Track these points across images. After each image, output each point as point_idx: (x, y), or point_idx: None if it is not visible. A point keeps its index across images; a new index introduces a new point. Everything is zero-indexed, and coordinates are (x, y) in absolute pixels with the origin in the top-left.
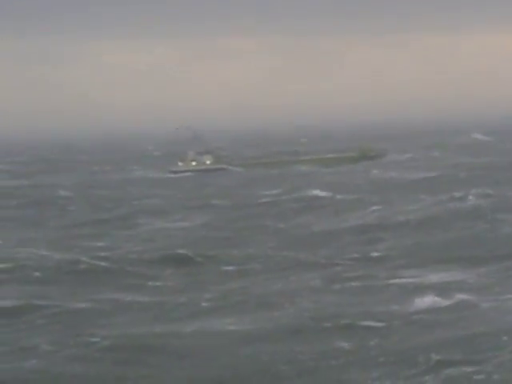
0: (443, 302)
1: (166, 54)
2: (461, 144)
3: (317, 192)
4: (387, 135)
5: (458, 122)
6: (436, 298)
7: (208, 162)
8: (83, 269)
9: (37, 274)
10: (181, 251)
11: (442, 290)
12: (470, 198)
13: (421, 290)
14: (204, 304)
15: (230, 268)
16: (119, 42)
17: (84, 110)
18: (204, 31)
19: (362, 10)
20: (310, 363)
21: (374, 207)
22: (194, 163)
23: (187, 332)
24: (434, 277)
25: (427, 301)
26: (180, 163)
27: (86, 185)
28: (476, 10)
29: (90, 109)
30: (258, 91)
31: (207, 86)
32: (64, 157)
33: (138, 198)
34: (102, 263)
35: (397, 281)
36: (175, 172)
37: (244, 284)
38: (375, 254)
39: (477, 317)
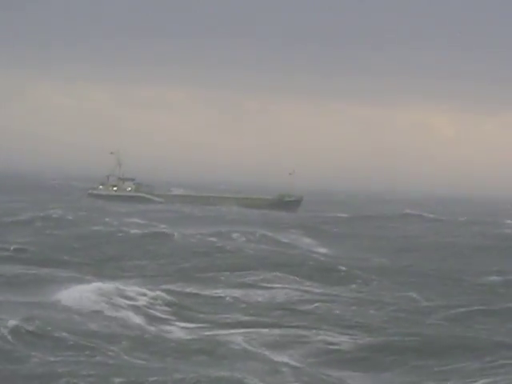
0: None
1: (98, 98)
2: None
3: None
4: None
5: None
6: None
7: (128, 189)
8: None
9: None
10: None
11: None
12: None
13: None
14: None
15: None
16: (51, 82)
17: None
18: (135, 78)
19: (296, 70)
20: None
21: None
22: (114, 188)
23: None
24: None
25: None
26: (101, 186)
27: None
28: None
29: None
30: (189, 144)
31: (138, 133)
32: None
33: None
34: None
35: None
36: (93, 195)
37: None
38: None
39: None
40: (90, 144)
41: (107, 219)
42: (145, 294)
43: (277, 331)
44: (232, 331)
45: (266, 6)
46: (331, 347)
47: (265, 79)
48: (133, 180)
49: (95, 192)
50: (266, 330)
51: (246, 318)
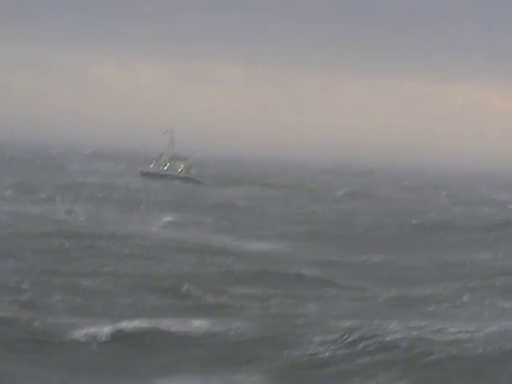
0: None
1: (152, 73)
2: None
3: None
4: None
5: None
6: None
7: (179, 170)
8: None
9: None
10: None
11: None
12: None
13: None
14: None
15: None
16: (105, 57)
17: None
18: (191, 54)
19: (355, 49)
20: None
21: None
22: (165, 167)
23: None
24: None
25: None
26: (152, 165)
27: None
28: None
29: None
30: (240, 119)
31: (192, 110)
32: None
33: None
34: None
35: None
36: (144, 173)
37: None
38: None
39: None
40: (144, 122)
41: None
42: None
43: None
44: None
45: None
46: None
47: (322, 56)
48: (186, 159)
49: (146, 170)
50: None
51: None
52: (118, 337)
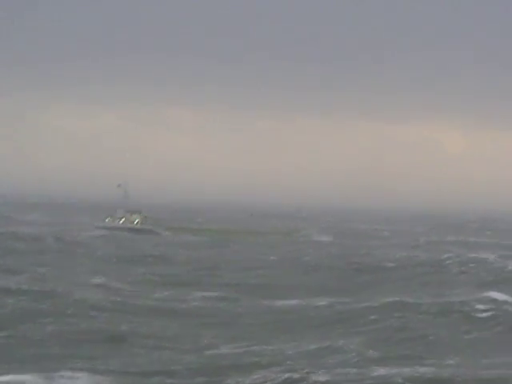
0: None
1: (113, 122)
2: None
3: None
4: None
5: None
6: None
7: (136, 222)
8: None
9: None
10: None
11: None
12: None
13: None
14: None
15: None
16: (65, 106)
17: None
18: (140, 97)
19: (306, 89)
20: None
21: None
22: (121, 221)
23: None
24: None
25: None
26: (107, 219)
27: None
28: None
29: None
30: (192, 164)
31: (143, 154)
32: None
33: None
34: None
35: None
36: (99, 227)
37: None
38: None
39: None
40: (94, 168)
41: None
42: None
43: None
44: None
45: (280, 25)
46: None
47: (277, 97)
48: (140, 213)
49: (101, 225)
50: None
51: None
52: None
